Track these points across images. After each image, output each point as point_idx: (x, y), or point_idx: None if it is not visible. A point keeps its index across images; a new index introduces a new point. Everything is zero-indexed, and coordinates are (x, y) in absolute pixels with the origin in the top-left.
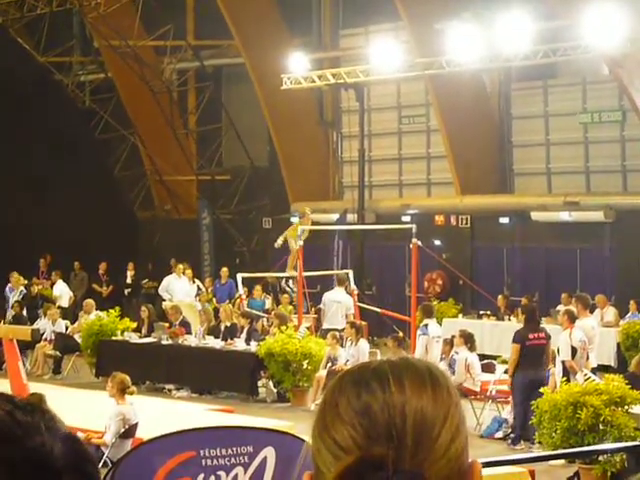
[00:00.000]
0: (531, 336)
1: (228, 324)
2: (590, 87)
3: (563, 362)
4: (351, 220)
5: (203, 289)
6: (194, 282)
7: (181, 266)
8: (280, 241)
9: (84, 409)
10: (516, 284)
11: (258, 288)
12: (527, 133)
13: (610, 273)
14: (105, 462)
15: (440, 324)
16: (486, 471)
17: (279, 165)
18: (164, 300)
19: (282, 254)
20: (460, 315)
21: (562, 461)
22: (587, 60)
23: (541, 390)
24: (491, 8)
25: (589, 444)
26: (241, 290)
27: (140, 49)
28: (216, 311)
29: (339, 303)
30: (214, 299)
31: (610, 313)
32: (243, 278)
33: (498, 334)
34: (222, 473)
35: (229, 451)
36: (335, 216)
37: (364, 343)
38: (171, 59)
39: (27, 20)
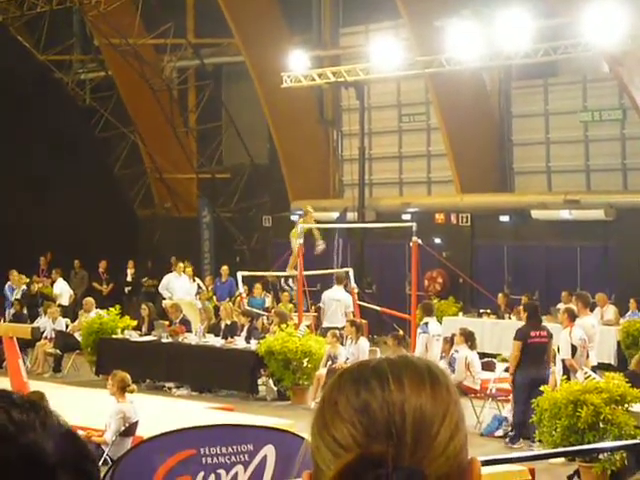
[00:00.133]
0: (533, 334)
1: (228, 322)
2: (590, 85)
3: (563, 360)
4: (351, 218)
5: (203, 287)
6: (194, 280)
7: (181, 264)
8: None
9: (84, 407)
10: (516, 282)
11: (258, 286)
12: (527, 131)
13: (610, 271)
14: (105, 460)
15: (440, 322)
16: (486, 469)
17: (279, 163)
18: (164, 298)
19: (282, 252)
20: (460, 313)
21: (562, 459)
22: (587, 58)
23: (541, 388)
24: (491, 6)
25: (589, 442)
26: (241, 288)
27: (140, 47)
28: (216, 309)
29: (338, 301)
30: (214, 297)
31: (610, 311)
32: (243, 276)
33: (498, 332)
34: (222, 471)
35: (229, 449)
36: (335, 214)
37: (364, 341)
38: (171, 57)
39: (27, 18)
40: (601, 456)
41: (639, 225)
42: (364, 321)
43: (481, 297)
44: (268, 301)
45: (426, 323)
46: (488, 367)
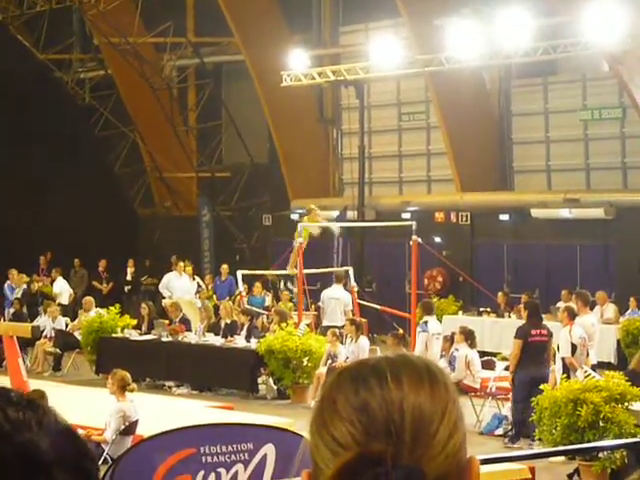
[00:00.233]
0: (534, 332)
1: (228, 321)
2: (590, 84)
3: (563, 359)
4: (351, 217)
5: (203, 286)
6: (194, 279)
7: (182, 264)
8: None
9: (84, 406)
10: (516, 281)
11: (258, 285)
12: (527, 130)
13: (610, 270)
14: (105, 459)
15: (440, 321)
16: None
17: (279, 162)
18: (164, 297)
19: (282, 251)
20: (460, 312)
21: (562, 458)
22: (587, 57)
23: (541, 387)
24: (491, 4)
25: (589, 441)
26: (241, 287)
27: (140, 46)
28: (216, 308)
29: (337, 300)
30: (214, 296)
31: (610, 310)
32: (243, 275)
33: (498, 331)
34: (222, 470)
35: (229, 448)
36: (335, 213)
37: (364, 340)
38: (171, 56)
39: (27, 17)
40: (601, 454)
41: (639, 224)
42: (364, 320)
43: (481, 296)
44: (268, 300)
45: (426, 322)
46: (488, 366)
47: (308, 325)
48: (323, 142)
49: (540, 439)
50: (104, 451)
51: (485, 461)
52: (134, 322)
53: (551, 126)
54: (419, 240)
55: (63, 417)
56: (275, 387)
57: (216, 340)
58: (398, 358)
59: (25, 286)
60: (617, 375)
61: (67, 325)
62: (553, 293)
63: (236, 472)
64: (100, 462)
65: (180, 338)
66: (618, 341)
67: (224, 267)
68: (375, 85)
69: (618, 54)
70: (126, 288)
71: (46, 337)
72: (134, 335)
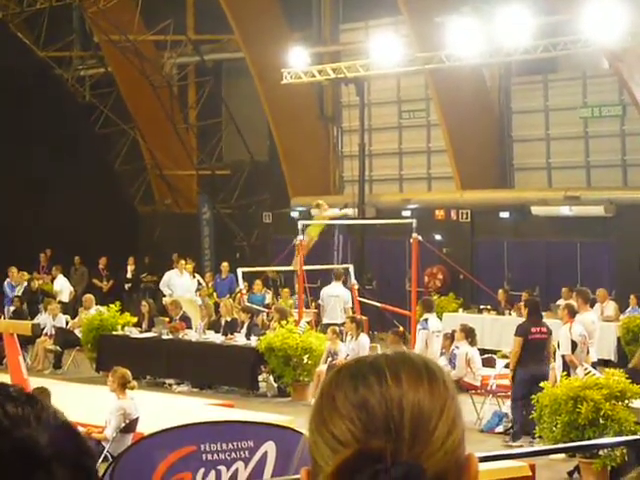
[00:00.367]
0: (534, 330)
1: (228, 319)
2: (590, 81)
3: (563, 356)
4: (351, 214)
5: (203, 284)
6: (194, 277)
7: (183, 262)
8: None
9: (85, 404)
10: (516, 279)
11: (258, 283)
12: (527, 128)
13: (610, 267)
14: (106, 457)
15: (440, 319)
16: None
17: (279, 160)
18: (164, 295)
19: (282, 249)
20: (460, 310)
21: (562, 455)
22: (587, 54)
23: (541, 384)
24: (491, 2)
25: (589, 438)
26: (241, 285)
27: (140, 44)
28: (216, 306)
29: (337, 297)
30: (214, 294)
31: (610, 307)
32: (243, 273)
33: (498, 328)
34: (222, 468)
35: (230, 446)
36: (335, 211)
37: (364, 338)
38: (171, 54)
39: (27, 15)
40: (601, 452)
41: (639, 221)
42: (364, 317)
43: (481, 293)
44: (268, 297)
45: (426, 319)
46: (488, 363)
47: (308, 323)
48: (323, 140)
49: (540, 437)
50: (104, 449)
51: (486, 458)
52: (134, 320)
53: (551, 123)
54: (419, 238)
55: (62, 413)
56: (275, 385)
57: (216, 338)
58: (397, 356)
59: (25, 284)
60: (617, 372)
61: (67, 323)
62: (553, 291)
63: (236, 470)
64: (100, 460)
65: (180, 336)
66: (618, 339)
67: (224, 265)
68: (375, 83)
69: (618, 52)
70: (126, 286)
71: (46, 335)
72: (134, 333)
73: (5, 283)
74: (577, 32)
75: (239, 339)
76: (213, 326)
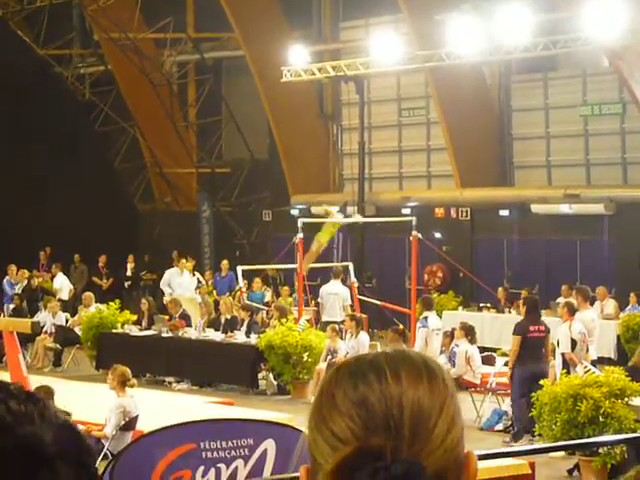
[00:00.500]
0: (532, 328)
1: (228, 317)
2: (590, 79)
3: (563, 354)
4: (351, 212)
5: (203, 282)
6: (194, 275)
7: (184, 261)
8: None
9: (84, 402)
10: (516, 276)
11: (258, 281)
12: (527, 126)
13: (610, 265)
14: (105, 455)
15: (440, 317)
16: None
17: (279, 158)
18: (164, 294)
19: (282, 247)
20: (460, 308)
21: (562, 453)
22: (587, 52)
23: (541, 382)
24: (491, 0)
25: (589, 436)
26: (241, 283)
27: (140, 42)
28: (216, 304)
29: (336, 295)
30: (214, 292)
31: (610, 305)
32: (243, 271)
33: (498, 326)
34: (222, 466)
35: (229, 443)
36: (335, 209)
37: (364, 335)
38: (171, 52)
39: (27, 13)
40: (601, 450)
41: (639, 219)
42: (364, 315)
43: (481, 291)
44: (268, 295)
45: (426, 317)
46: (488, 361)
47: (308, 321)
48: (323, 138)
49: (540, 434)
50: (104, 447)
51: (485, 456)
52: (134, 318)
53: (551, 121)
54: (419, 235)
55: (61, 411)
56: (275, 382)
57: (216, 336)
58: (396, 353)
59: (25, 282)
60: (617, 370)
61: (67, 321)
62: (553, 288)
63: (236, 467)
64: (100, 458)
65: (180, 334)
66: (618, 336)
67: (224, 263)
68: (375, 81)
69: (618, 49)
70: (126, 284)
71: (46, 333)
72: (134, 331)
73: (4, 281)
74: (577, 30)
75: (239, 337)
76: (213, 324)
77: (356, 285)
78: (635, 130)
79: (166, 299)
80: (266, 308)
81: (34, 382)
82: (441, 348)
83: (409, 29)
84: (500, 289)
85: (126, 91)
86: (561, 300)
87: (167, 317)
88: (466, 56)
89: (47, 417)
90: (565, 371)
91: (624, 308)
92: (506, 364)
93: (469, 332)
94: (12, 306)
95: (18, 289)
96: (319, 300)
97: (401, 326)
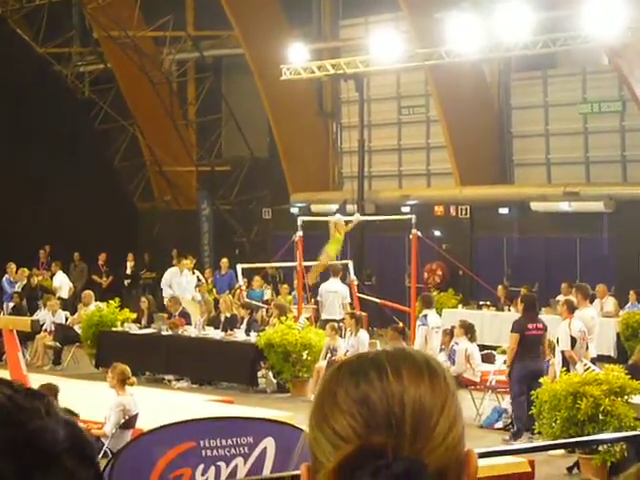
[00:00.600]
0: (530, 326)
1: (228, 315)
2: (590, 77)
3: (562, 352)
4: (351, 211)
5: (203, 280)
6: (194, 273)
7: (187, 261)
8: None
9: (84, 400)
10: (516, 274)
11: (258, 279)
12: (527, 123)
13: (610, 263)
14: (105, 453)
15: (440, 315)
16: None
17: (279, 156)
18: (164, 296)
19: (282, 245)
20: (460, 305)
21: (562, 451)
22: (587, 50)
23: (541, 380)
24: None
25: (589, 434)
26: (241, 281)
27: (139, 40)
28: (216, 302)
29: (335, 293)
30: (214, 290)
31: (610, 303)
32: (243, 269)
33: (498, 324)
34: (222, 464)
35: (229, 442)
36: (335, 207)
37: (364, 334)
38: (171, 50)
39: (26, 11)
40: (601, 448)
41: (638, 217)
42: (364, 313)
43: (481, 289)
44: (267, 294)
45: (425, 315)
46: (488, 359)
47: (308, 319)
48: (323, 136)
49: (540, 432)
50: (104, 445)
51: (485, 454)
52: (134, 316)
53: (551, 119)
54: (419, 234)
55: (67, 410)
56: (275, 381)
57: (216, 334)
58: (397, 352)
59: (25, 280)
60: (617, 368)
61: (67, 319)
62: (553, 286)
63: (236, 465)
64: (100, 456)
65: (180, 332)
66: (618, 334)
67: (224, 261)
68: (375, 79)
69: (618, 47)
70: (126, 282)
71: (46, 331)
72: (134, 329)
73: (4, 279)
74: (577, 28)
75: (238, 335)
76: (212, 322)
77: (356, 283)
78: (635, 128)
79: (166, 301)
80: (266, 306)
81: (34, 380)
82: (441, 346)
83: (409, 27)
84: (500, 287)
85: (126, 89)
86: (561, 298)
87: (167, 315)
88: (466, 54)
89: (53, 412)
90: (565, 369)
91: (624, 306)
92: (505, 362)
93: (469, 330)
94: (12, 304)
95: (18, 287)
96: (318, 298)
97: (401, 324)
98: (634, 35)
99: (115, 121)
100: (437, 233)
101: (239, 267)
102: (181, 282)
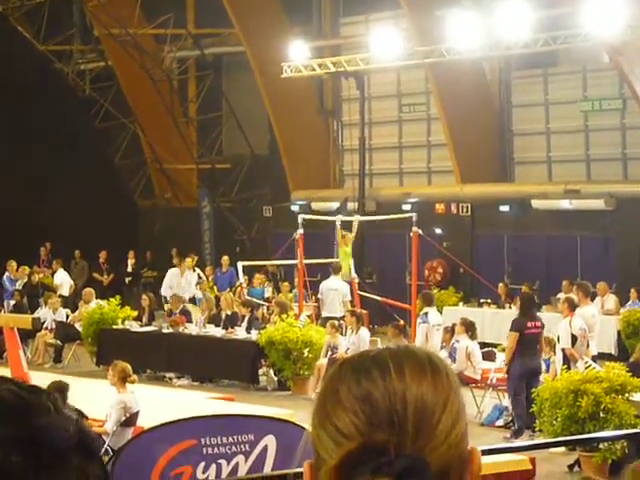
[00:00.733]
0: (529, 324)
1: (229, 312)
2: (590, 75)
3: (563, 350)
4: (351, 208)
5: (204, 278)
6: (194, 271)
7: (189, 260)
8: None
9: (85, 398)
10: (517, 272)
11: (258, 276)
12: (527, 121)
13: (611, 261)
14: (106, 450)
15: (440, 312)
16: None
17: (279, 153)
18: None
19: (282, 242)
20: (461, 303)
21: (563, 449)
22: (587, 48)
23: (542, 378)
24: None
25: (590, 432)
26: (241, 278)
27: (140, 37)
28: (217, 299)
29: (336, 291)
30: (215, 287)
31: (611, 301)
32: (243, 266)
33: (498, 322)
34: (223, 461)
35: (230, 439)
36: (335, 204)
37: (365, 331)
38: (171, 47)
39: (27, 8)
40: (602, 445)
41: (639, 215)
42: (364, 311)
43: (481, 287)
44: (268, 291)
45: (426, 313)
46: (489, 357)
47: (309, 316)
48: (323, 133)
49: (541, 430)
50: (105, 442)
51: (486, 452)
52: (135, 313)
53: (551, 117)
54: (419, 231)
55: (75, 410)
56: (276, 378)
57: (217, 331)
58: (400, 349)
59: (26, 278)
60: (617, 366)
61: (68, 316)
62: (553, 284)
63: (237, 463)
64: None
65: (181, 329)
66: (619, 332)
67: (225, 258)
68: (375, 76)
69: (618, 45)
70: (127, 280)
71: (47, 329)
72: (135, 326)
73: (5, 277)
74: (577, 26)
75: (239, 333)
76: (213, 320)
77: (356, 281)
78: (635, 126)
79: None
80: (266, 304)
81: (35, 378)
82: (441, 344)
83: (409, 25)
84: (500, 285)
85: (126, 87)
86: (561, 296)
87: (167, 313)
88: (466, 52)
89: (60, 409)
90: (566, 367)
91: (625, 304)
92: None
93: (469, 328)
94: (13, 302)
95: (19, 285)
96: (319, 296)
97: (402, 322)
98: (634, 33)
99: (116, 119)
100: (438, 231)
101: (240, 265)
102: (181, 283)
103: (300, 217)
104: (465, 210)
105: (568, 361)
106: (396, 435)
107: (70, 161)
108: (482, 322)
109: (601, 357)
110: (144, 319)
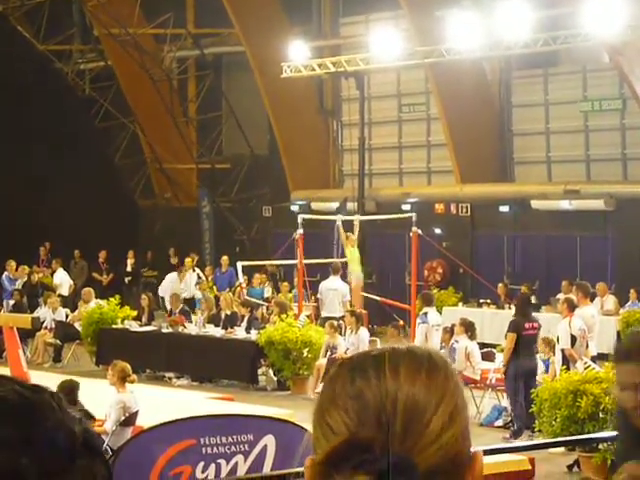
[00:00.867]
0: (527, 325)
1: (228, 312)
2: (590, 75)
3: (563, 350)
4: (351, 208)
5: (203, 277)
6: (194, 271)
7: (190, 260)
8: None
9: (84, 397)
10: (516, 272)
11: (258, 276)
12: (527, 121)
13: (610, 261)
14: (105, 450)
15: (440, 312)
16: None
17: (279, 153)
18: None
19: (282, 242)
20: (460, 303)
21: (562, 449)
22: (588, 48)
23: (541, 379)
24: None
25: (589, 432)
26: (241, 278)
27: (140, 37)
28: (216, 299)
29: (335, 291)
30: (214, 287)
31: (610, 301)
32: (243, 266)
33: (498, 322)
34: (222, 461)
35: (229, 439)
36: (335, 204)
37: (364, 331)
38: (171, 47)
39: (27, 8)
40: (601, 446)
41: (639, 215)
42: (364, 311)
43: (481, 287)
44: (268, 291)
45: (426, 313)
46: (488, 357)
47: (308, 316)
48: (323, 133)
49: (540, 430)
50: (104, 442)
51: (485, 452)
52: (134, 313)
53: (551, 117)
54: (419, 231)
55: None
56: (275, 378)
57: (216, 331)
58: (400, 349)
59: (25, 277)
60: None
61: (67, 316)
62: (553, 284)
63: (236, 463)
64: None
65: (180, 329)
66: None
67: (224, 258)
68: (375, 76)
69: (618, 45)
70: (126, 279)
71: (46, 328)
72: (134, 326)
73: (4, 277)
74: (577, 26)
75: (239, 333)
76: (213, 320)
77: (361, 284)
78: (635, 126)
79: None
80: (266, 304)
81: (34, 378)
82: (441, 344)
83: (409, 25)
84: (500, 285)
85: (126, 87)
86: (561, 296)
87: (167, 313)
88: (466, 52)
89: (64, 408)
90: (565, 367)
91: (624, 304)
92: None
93: (469, 328)
94: (12, 302)
95: (18, 285)
96: (318, 296)
97: (401, 322)
98: (634, 33)
99: (115, 119)
100: (437, 231)
101: (239, 265)
102: (179, 289)
103: (300, 217)
104: (465, 210)
105: (567, 361)
106: (383, 434)
107: (70, 161)
108: (481, 322)
109: (600, 358)
110: (143, 319)
